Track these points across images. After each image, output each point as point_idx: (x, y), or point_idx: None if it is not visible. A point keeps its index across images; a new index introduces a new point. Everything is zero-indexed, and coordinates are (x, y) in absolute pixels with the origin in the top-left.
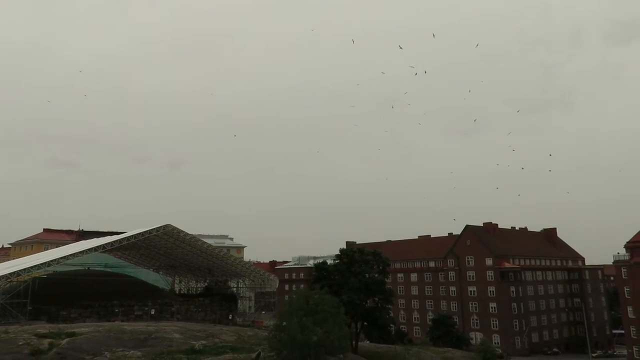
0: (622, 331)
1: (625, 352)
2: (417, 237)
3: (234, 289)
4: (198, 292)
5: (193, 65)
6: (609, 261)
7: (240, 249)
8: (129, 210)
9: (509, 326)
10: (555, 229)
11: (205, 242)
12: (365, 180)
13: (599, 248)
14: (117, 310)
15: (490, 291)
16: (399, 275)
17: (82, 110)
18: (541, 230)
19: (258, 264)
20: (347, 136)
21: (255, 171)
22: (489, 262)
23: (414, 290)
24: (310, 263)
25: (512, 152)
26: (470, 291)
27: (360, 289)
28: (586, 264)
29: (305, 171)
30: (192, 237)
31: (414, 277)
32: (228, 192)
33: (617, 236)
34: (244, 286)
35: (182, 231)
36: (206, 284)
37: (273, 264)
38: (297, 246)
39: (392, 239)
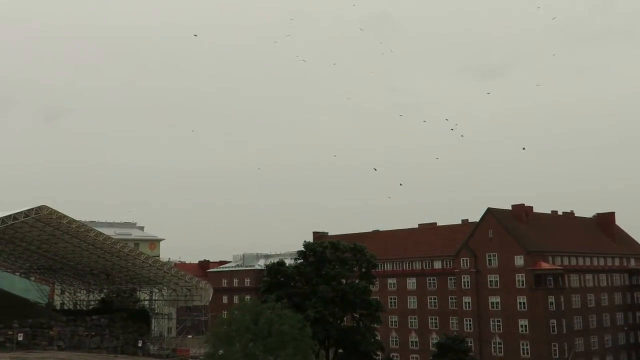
0: None
1: None
2: (417, 226)
3: (146, 302)
4: (91, 307)
5: None
6: None
7: (154, 242)
8: None
9: (545, 352)
10: (613, 213)
11: (101, 233)
12: (344, 142)
13: None
14: None
15: (520, 303)
16: (390, 280)
17: None
18: (594, 216)
19: (182, 265)
20: (322, 77)
21: (179, 128)
22: (519, 261)
23: (412, 303)
24: (261, 264)
25: (548, 103)
26: (492, 303)
27: (334, 300)
28: None
29: (256, 130)
30: (81, 225)
31: (411, 283)
32: (136, 159)
33: None
34: (161, 298)
35: (64, 216)
36: (103, 295)
37: (205, 265)
38: (240, 239)
39: (381, 229)
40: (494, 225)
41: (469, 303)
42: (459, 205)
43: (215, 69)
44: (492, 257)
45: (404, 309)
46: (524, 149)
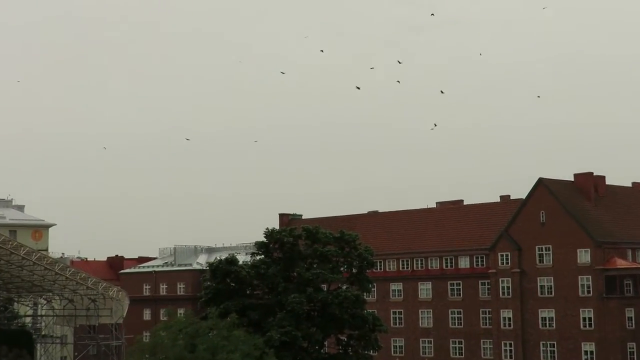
0: None
1: None
2: (435, 206)
3: (27, 319)
4: None
5: None
6: None
7: (40, 230)
8: None
9: None
10: None
11: None
12: (326, 82)
13: None
14: None
15: (585, 318)
16: (394, 286)
17: None
18: None
19: (83, 263)
20: None
21: (75, 62)
22: (583, 257)
23: (426, 319)
24: (201, 262)
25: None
26: (544, 319)
27: (310, 315)
28: None
29: (191, 76)
30: None
31: (425, 289)
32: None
33: None
34: (51, 314)
35: None
36: None
37: (117, 263)
38: (170, 227)
39: (382, 209)
40: (548, 203)
41: (509, 319)
42: (496, 176)
43: None
44: (544, 252)
45: (413, 327)
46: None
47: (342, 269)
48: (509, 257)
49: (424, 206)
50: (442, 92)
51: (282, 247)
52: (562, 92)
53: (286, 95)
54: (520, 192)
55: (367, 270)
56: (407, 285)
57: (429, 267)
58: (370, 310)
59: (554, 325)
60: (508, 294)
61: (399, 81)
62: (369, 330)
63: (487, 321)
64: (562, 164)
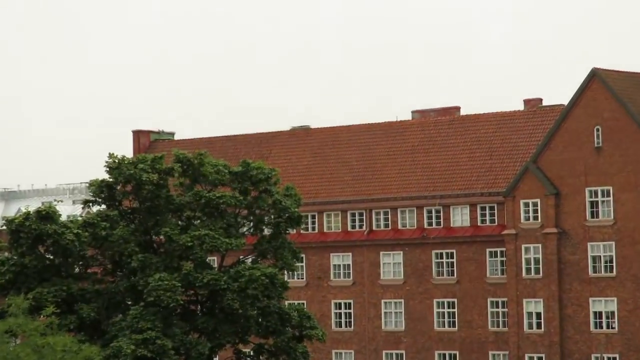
0: None
1: None
2: (410, 117)
3: None
4: None
5: None
6: None
7: None
8: None
9: None
10: None
11: None
12: None
13: None
14: None
15: None
16: (336, 259)
17: None
18: None
19: None
20: None
21: None
22: None
23: (394, 316)
24: None
25: None
26: (599, 315)
27: (189, 310)
28: None
29: None
30: None
31: (392, 264)
32: None
33: None
34: None
35: None
36: None
37: None
38: None
39: (315, 125)
40: (607, 113)
41: (537, 316)
42: (517, 68)
43: None
44: (600, 197)
45: (372, 331)
46: None
47: (246, 229)
48: (539, 207)
49: (392, 118)
50: None
51: (138, 190)
52: None
53: None
54: (558, 95)
55: (290, 232)
56: (361, 258)
57: (399, 226)
58: (297, 302)
59: (616, 325)
60: (537, 271)
61: None
62: (294, 337)
63: (500, 319)
64: (629, 49)
